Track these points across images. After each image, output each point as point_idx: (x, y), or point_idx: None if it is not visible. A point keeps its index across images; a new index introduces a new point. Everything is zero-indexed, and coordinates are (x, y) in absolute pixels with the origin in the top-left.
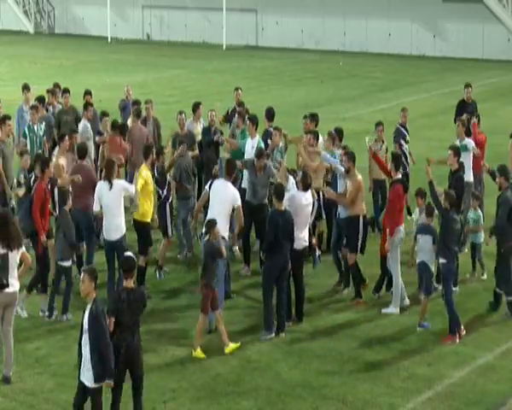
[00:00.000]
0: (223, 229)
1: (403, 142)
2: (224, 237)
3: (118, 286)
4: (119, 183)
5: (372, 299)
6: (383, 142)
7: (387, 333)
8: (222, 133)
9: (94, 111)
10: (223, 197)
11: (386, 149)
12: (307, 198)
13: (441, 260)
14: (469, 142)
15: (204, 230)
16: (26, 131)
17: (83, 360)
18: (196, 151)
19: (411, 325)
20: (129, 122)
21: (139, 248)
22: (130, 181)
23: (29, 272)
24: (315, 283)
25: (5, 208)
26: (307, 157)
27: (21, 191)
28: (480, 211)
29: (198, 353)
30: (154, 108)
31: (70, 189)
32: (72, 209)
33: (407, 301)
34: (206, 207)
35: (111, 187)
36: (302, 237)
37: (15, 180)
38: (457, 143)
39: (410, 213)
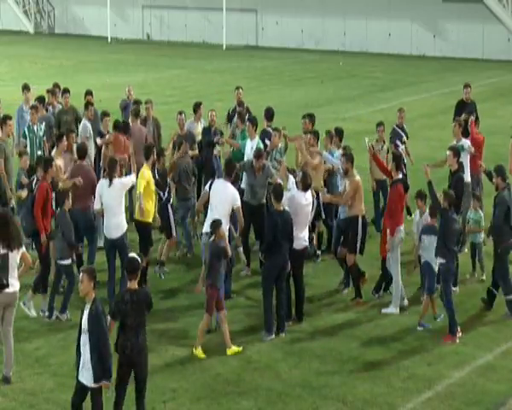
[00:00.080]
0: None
1: (398, 142)
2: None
3: (121, 286)
4: (119, 181)
5: (372, 299)
6: (384, 142)
7: (387, 333)
8: (222, 134)
9: (95, 111)
10: (222, 198)
11: (388, 150)
12: (307, 198)
13: (440, 261)
14: (465, 142)
15: (204, 230)
16: (26, 132)
17: (82, 360)
18: (196, 151)
19: (411, 325)
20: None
21: (140, 249)
22: None
23: (29, 271)
24: (315, 283)
25: (5, 208)
26: (307, 154)
27: (24, 193)
28: (481, 212)
29: (198, 352)
30: (154, 108)
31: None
32: (72, 209)
33: (406, 302)
34: (206, 207)
35: (110, 184)
36: (302, 237)
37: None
38: (454, 143)
39: (409, 214)
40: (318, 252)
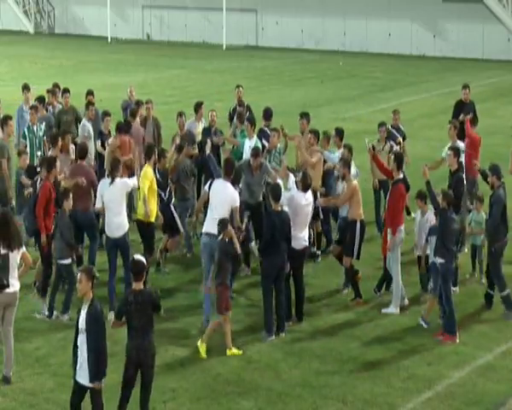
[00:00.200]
0: None
1: (393, 143)
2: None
3: (125, 286)
4: (121, 180)
5: (372, 299)
6: (386, 142)
7: (387, 333)
8: (222, 133)
9: (96, 111)
10: (222, 198)
11: (390, 150)
12: (307, 198)
13: (440, 260)
14: (461, 144)
15: (203, 230)
16: (26, 132)
17: (79, 359)
18: (196, 151)
19: (411, 325)
20: None
21: (145, 248)
22: None
23: (29, 271)
24: (315, 283)
25: (5, 208)
26: (305, 151)
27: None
28: (483, 213)
29: (202, 348)
30: (154, 108)
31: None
32: (73, 210)
33: (406, 301)
34: (205, 207)
35: (111, 182)
36: (302, 237)
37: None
38: (446, 151)
39: (408, 213)
40: (318, 252)
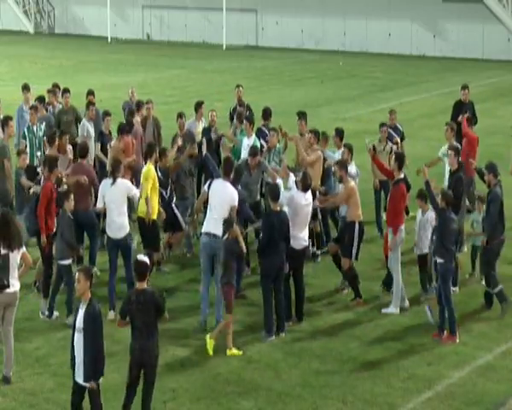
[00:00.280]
0: (221, 229)
1: (390, 143)
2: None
3: (127, 287)
4: (124, 182)
5: (372, 299)
6: (387, 143)
7: (387, 333)
8: (222, 134)
9: (96, 111)
10: (221, 198)
11: (391, 150)
12: (307, 198)
13: (439, 260)
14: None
15: (203, 229)
16: (26, 132)
17: (77, 359)
18: (196, 150)
19: (411, 325)
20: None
21: (145, 246)
22: None
23: (29, 271)
24: (315, 283)
25: (5, 208)
26: (303, 150)
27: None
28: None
29: (210, 344)
30: (155, 108)
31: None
32: (74, 210)
33: (407, 303)
34: (205, 206)
35: (113, 183)
36: (302, 237)
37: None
38: (443, 150)
39: (407, 213)
40: (318, 252)
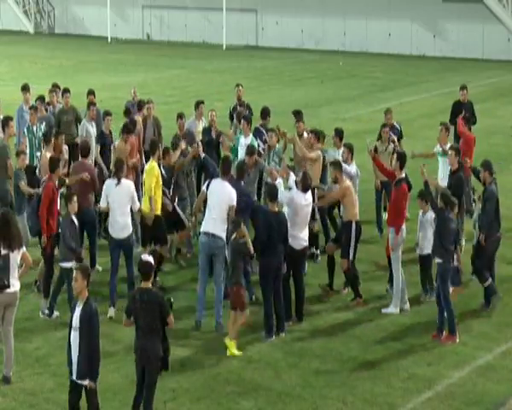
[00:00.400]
0: (220, 229)
1: (392, 144)
2: (221, 237)
3: (128, 287)
4: (130, 185)
5: (372, 299)
6: (389, 143)
7: (387, 333)
8: (222, 133)
9: (97, 111)
10: (220, 197)
11: (393, 151)
12: (307, 198)
13: (438, 260)
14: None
15: (202, 229)
16: (25, 132)
17: (73, 358)
18: (200, 149)
19: (411, 325)
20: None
21: (159, 241)
22: None
23: (29, 271)
24: (315, 283)
25: (5, 208)
26: (302, 146)
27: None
28: None
29: (231, 345)
30: (155, 108)
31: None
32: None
33: (407, 306)
34: (205, 206)
35: (118, 183)
36: (302, 237)
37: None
38: (438, 147)
39: None
40: (317, 252)
